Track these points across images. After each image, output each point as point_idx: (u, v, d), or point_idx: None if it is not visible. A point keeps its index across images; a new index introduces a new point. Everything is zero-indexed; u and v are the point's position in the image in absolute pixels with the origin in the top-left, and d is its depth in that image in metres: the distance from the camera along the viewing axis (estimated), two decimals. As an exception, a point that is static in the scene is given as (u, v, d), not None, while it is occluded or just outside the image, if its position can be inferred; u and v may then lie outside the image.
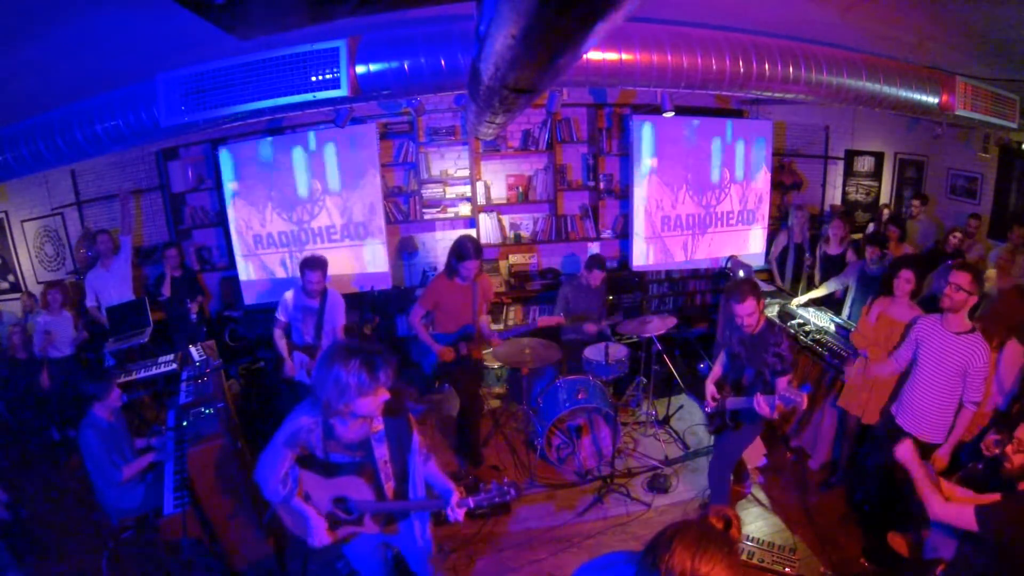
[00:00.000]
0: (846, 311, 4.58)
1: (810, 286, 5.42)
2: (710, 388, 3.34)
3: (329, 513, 2.21)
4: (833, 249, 5.17)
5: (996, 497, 2.16)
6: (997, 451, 2.33)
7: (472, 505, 2.20)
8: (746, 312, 2.99)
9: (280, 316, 4.03)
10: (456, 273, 3.81)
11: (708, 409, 3.39)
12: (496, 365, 5.23)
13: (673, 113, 4.66)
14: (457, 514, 2.20)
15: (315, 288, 3.89)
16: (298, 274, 3.95)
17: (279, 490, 2.10)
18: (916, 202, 6.01)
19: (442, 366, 4.04)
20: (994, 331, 3.07)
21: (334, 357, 1.93)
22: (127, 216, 5.27)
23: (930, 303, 3.59)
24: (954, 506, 2.18)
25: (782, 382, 2.99)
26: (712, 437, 4.13)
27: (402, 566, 2.58)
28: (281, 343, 4.05)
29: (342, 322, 4.06)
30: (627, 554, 1.37)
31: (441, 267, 5.75)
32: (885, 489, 3.16)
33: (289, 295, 4.02)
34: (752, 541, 3.34)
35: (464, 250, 3.73)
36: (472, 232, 5.87)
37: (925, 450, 3.01)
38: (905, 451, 2.38)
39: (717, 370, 3.43)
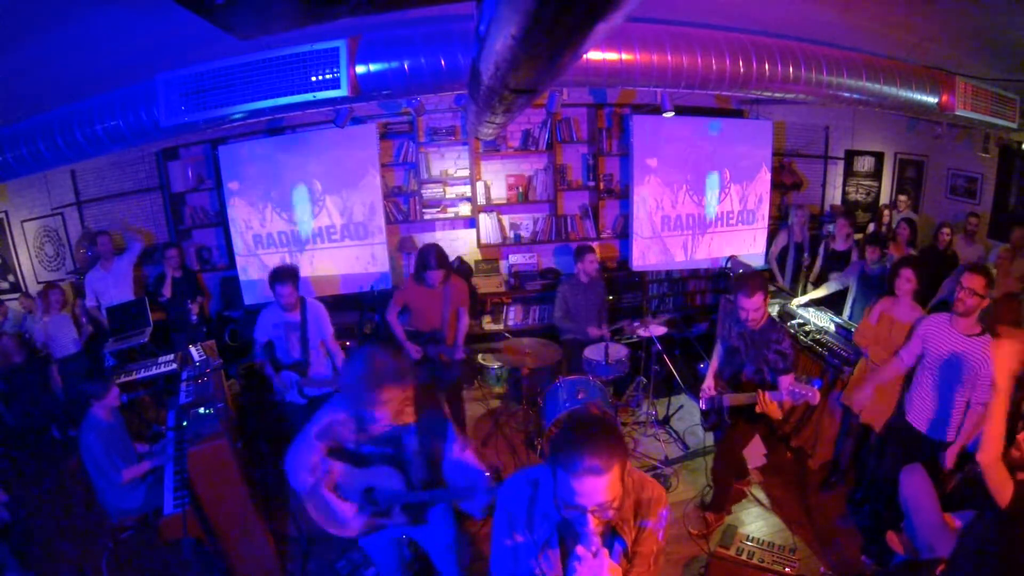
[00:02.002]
0: (846, 311, 4.58)
1: (808, 285, 5.43)
2: (709, 381, 3.31)
3: (358, 504, 2.24)
4: (840, 245, 5.20)
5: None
6: None
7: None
8: (753, 307, 2.93)
9: (260, 337, 3.75)
10: (423, 280, 3.90)
11: (703, 404, 3.35)
12: (496, 365, 5.23)
13: (673, 113, 4.66)
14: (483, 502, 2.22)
15: (288, 302, 3.64)
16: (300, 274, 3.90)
17: (307, 479, 2.16)
18: (903, 197, 6.34)
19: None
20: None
21: (361, 356, 2.05)
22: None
23: (942, 309, 3.58)
24: (1002, 470, 2.15)
25: (785, 380, 2.95)
26: (711, 434, 4.13)
27: (424, 561, 2.59)
28: (266, 364, 3.77)
29: (330, 332, 3.84)
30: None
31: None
32: (886, 489, 3.16)
33: (263, 314, 3.76)
34: (752, 541, 3.35)
35: (427, 260, 3.82)
36: (472, 232, 5.88)
37: (933, 447, 3.01)
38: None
39: (715, 363, 3.39)
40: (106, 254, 5.11)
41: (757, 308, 2.93)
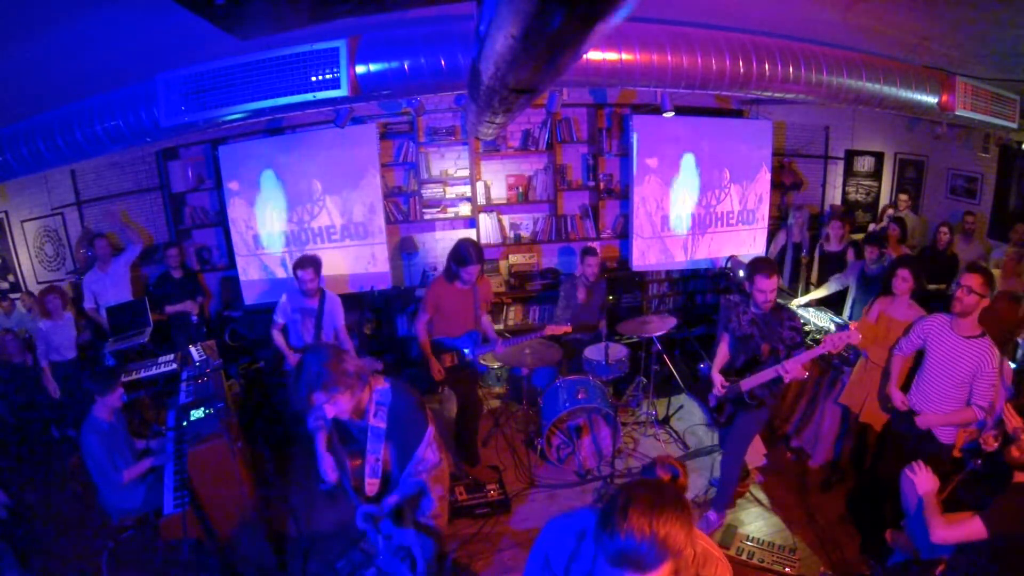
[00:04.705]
0: (846, 311, 4.58)
1: (808, 285, 5.43)
2: (717, 377, 3.30)
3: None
4: (833, 246, 5.20)
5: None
6: (997, 444, 2.34)
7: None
8: (770, 287, 3.06)
9: (278, 318, 4.13)
10: (457, 277, 3.73)
11: (717, 397, 3.34)
12: (496, 365, 5.23)
13: (673, 113, 4.66)
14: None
15: (309, 287, 3.96)
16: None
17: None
18: (903, 196, 6.36)
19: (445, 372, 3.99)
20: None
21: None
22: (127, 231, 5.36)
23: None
24: (957, 526, 2.18)
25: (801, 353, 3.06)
26: (715, 436, 4.13)
27: None
28: (279, 341, 4.16)
29: (342, 323, 4.14)
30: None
31: (441, 267, 5.76)
32: (886, 488, 3.16)
33: (285, 298, 4.12)
34: (752, 541, 3.35)
35: (465, 254, 3.64)
36: (472, 232, 5.88)
37: (932, 447, 3.01)
38: (924, 481, 2.38)
39: (723, 356, 3.38)
40: (104, 256, 5.09)
41: (774, 289, 3.09)
